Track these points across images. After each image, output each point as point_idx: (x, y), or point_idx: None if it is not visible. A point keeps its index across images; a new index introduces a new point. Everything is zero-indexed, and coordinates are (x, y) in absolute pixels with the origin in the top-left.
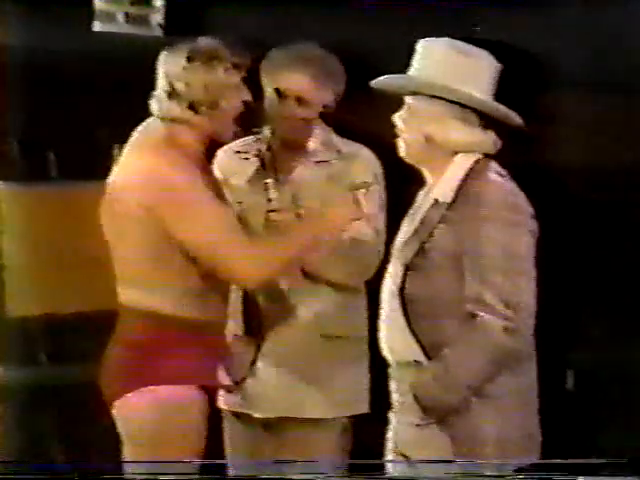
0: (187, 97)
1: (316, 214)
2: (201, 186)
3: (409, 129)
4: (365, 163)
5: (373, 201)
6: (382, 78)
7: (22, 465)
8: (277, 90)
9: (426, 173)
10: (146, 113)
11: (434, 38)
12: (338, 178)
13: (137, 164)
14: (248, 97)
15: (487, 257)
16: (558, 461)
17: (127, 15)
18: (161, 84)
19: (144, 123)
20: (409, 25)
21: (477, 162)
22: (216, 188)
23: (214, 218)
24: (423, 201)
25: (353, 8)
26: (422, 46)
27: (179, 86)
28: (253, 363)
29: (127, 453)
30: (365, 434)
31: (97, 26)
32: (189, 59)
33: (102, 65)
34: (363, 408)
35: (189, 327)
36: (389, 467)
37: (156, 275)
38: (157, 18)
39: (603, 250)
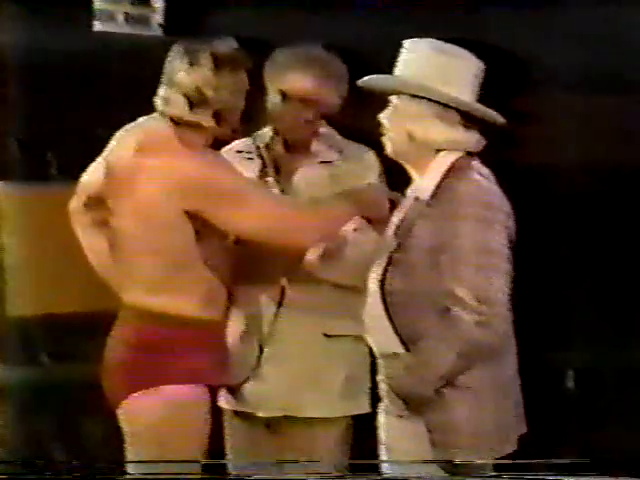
0: (214, 104)
1: (358, 191)
2: (239, 175)
3: (393, 127)
4: (368, 164)
5: None
6: (367, 78)
7: (22, 465)
8: (281, 91)
9: (411, 170)
10: (146, 113)
11: (418, 39)
12: (341, 179)
13: (168, 170)
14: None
15: (461, 253)
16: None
17: (127, 15)
18: (183, 88)
19: (140, 122)
20: (408, 25)
21: (457, 160)
22: None
23: (263, 202)
24: (407, 198)
25: (354, 8)
26: (406, 47)
27: (209, 93)
28: (256, 363)
29: (131, 452)
30: (366, 434)
31: (97, 26)
32: (217, 65)
33: (102, 65)
34: (364, 407)
35: (197, 327)
36: (385, 467)
37: (176, 279)
38: (157, 18)
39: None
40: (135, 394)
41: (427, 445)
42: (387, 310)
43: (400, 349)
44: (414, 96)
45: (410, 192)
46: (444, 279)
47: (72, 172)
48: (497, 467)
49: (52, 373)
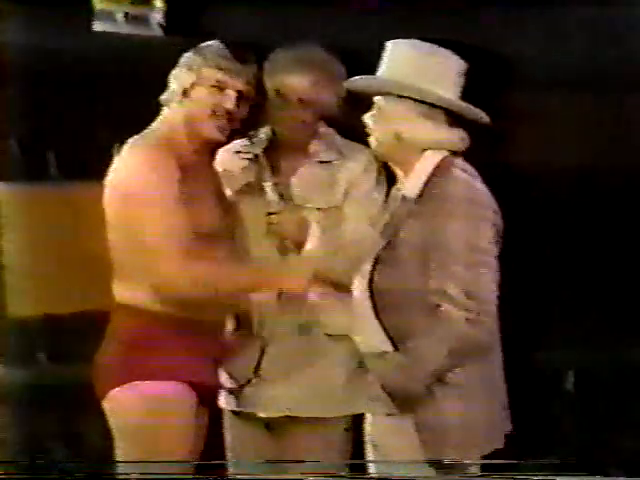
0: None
1: (278, 269)
2: (165, 187)
3: (379, 128)
4: (367, 164)
5: (375, 203)
6: (354, 79)
7: (22, 465)
8: (278, 92)
9: (397, 170)
10: (146, 112)
11: (401, 39)
12: (340, 179)
13: (124, 163)
14: (230, 106)
15: (450, 250)
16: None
17: (127, 15)
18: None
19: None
20: (408, 25)
21: (443, 159)
22: (203, 190)
23: (163, 220)
24: (393, 197)
25: (353, 8)
26: (389, 47)
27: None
28: (258, 365)
29: (117, 448)
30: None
31: (97, 26)
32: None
33: (102, 65)
34: (364, 407)
35: (178, 324)
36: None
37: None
38: (157, 18)
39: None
40: (116, 389)
41: (416, 443)
42: (375, 309)
43: (389, 348)
44: (400, 96)
45: (395, 191)
46: (433, 276)
47: (72, 172)
48: (487, 467)
49: (52, 373)
